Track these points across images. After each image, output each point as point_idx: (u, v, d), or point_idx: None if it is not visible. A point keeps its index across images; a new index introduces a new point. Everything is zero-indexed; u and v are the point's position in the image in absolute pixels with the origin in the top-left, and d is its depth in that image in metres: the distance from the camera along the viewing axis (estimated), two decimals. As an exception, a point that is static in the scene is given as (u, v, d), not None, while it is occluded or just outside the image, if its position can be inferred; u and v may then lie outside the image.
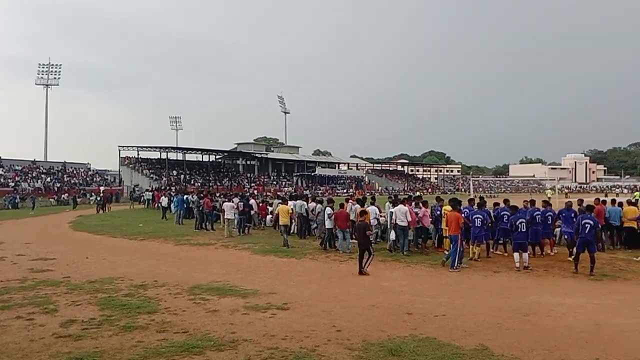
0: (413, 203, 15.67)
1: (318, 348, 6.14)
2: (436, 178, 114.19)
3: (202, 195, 25.43)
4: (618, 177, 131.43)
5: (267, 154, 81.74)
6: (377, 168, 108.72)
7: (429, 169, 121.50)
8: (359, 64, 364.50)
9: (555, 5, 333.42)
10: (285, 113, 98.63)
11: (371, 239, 13.22)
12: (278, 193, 47.20)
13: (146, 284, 10.23)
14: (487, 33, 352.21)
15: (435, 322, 7.47)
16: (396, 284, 10.54)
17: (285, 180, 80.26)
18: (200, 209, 22.65)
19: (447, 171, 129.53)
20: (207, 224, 22.47)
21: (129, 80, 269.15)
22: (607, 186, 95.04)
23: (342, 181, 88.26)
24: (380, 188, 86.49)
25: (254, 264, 13.33)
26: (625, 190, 70.83)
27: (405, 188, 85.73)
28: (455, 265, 11.98)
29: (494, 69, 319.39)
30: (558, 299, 9.14)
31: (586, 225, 11.55)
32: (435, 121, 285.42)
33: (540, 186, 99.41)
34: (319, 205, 18.34)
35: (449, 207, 14.40)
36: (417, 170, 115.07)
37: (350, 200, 17.44)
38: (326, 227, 15.65)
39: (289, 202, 20.21)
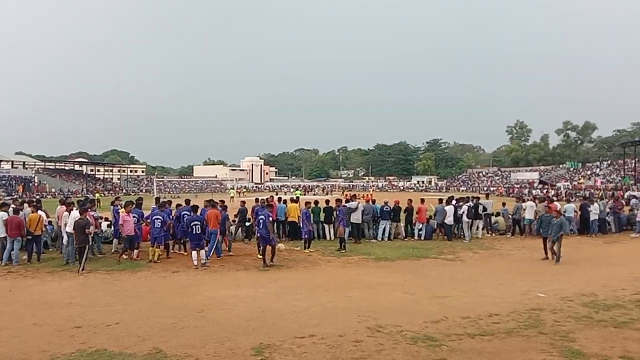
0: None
1: (-48, 388, 4.99)
2: (119, 178, 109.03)
3: None
4: (286, 177, 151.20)
5: None
6: (50, 167, 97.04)
7: (111, 168, 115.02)
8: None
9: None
10: None
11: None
12: None
13: None
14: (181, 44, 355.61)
15: (107, 332, 7.03)
16: (65, 295, 9.56)
17: None
18: None
19: (131, 171, 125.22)
20: None
21: None
22: (277, 185, 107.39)
23: (4, 182, 75.49)
24: (53, 190, 77.42)
25: None
26: (292, 189, 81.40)
27: (84, 189, 79.09)
28: (210, 255, 13.19)
29: (176, 75, 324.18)
30: (231, 291, 9.80)
31: (260, 220, 12.76)
32: (119, 119, 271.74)
33: (222, 186, 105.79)
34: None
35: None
36: (98, 170, 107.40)
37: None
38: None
39: None
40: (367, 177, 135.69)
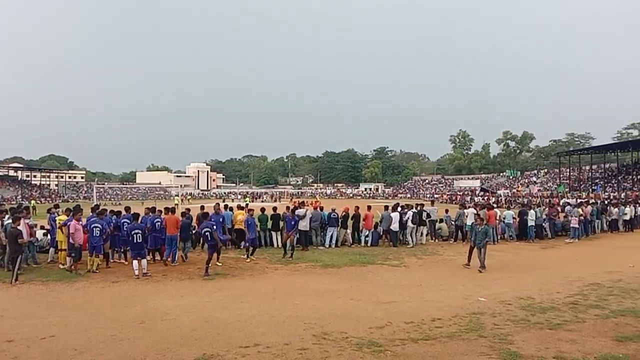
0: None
1: None
2: (57, 185, 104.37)
3: None
4: (234, 184, 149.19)
5: None
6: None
7: (48, 174, 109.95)
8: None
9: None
10: None
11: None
12: None
13: None
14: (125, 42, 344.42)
15: (41, 345, 6.67)
16: (-6, 308, 9.01)
17: None
18: None
19: (70, 177, 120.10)
20: None
21: None
22: (225, 192, 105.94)
23: None
24: (-15, 196, 73.16)
25: None
26: (239, 197, 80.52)
27: (19, 196, 75.16)
28: (176, 259, 13.94)
29: (118, 75, 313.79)
30: (174, 301, 9.53)
31: (206, 233, 12.63)
32: (57, 123, 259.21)
33: (167, 193, 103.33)
34: None
35: (64, 217, 13.46)
36: (34, 176, 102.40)
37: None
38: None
39: None
40: (315, 184, 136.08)
